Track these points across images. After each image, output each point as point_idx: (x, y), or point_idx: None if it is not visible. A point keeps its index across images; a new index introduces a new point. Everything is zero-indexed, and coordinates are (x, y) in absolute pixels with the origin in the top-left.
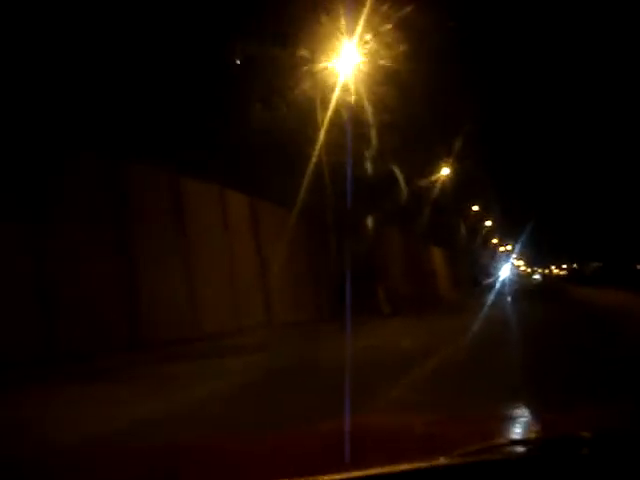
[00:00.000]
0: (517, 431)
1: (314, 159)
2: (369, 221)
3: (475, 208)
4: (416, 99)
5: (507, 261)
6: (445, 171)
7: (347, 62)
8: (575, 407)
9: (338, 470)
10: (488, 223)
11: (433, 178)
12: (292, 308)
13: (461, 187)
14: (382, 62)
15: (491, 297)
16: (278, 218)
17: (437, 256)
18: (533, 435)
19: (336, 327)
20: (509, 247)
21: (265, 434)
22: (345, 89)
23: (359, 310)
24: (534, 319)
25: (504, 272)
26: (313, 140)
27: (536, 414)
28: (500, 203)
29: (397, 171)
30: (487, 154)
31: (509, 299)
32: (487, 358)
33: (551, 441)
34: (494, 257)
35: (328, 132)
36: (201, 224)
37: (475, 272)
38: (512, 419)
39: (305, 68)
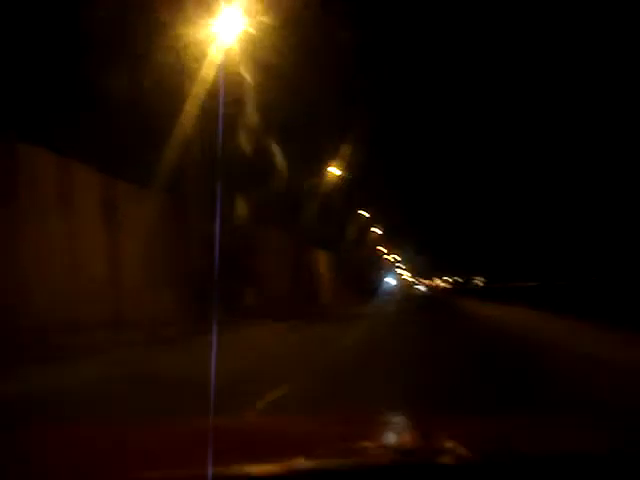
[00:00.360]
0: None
1: (182, 137)
2: (242, 211)
3: (364, 214)
4: (302, 87)
5: (393, 270)
6: (334, 170)
7: (225, 30)
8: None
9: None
10: (377, 231)
11: (321, 175)
12: (146, 306)
13: (351, 190)
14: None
15: (376, 306)
16: (138, 202)
17: (322, 260)
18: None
19: (181, 331)
20: (396, 257)
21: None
22: (220, 60)
23: (224, 314)
24: (421, 331)
25: (390, 281)
26: (182, 115)
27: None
28: (389, 213)
29: (279, 157)
30: (379, 160)
31: (394, 308)
32: (335, 393)
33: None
34: (380, 265)
35: (202, 109)
36: (36, 200)
37: (362, 279)
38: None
39: (175, 34)
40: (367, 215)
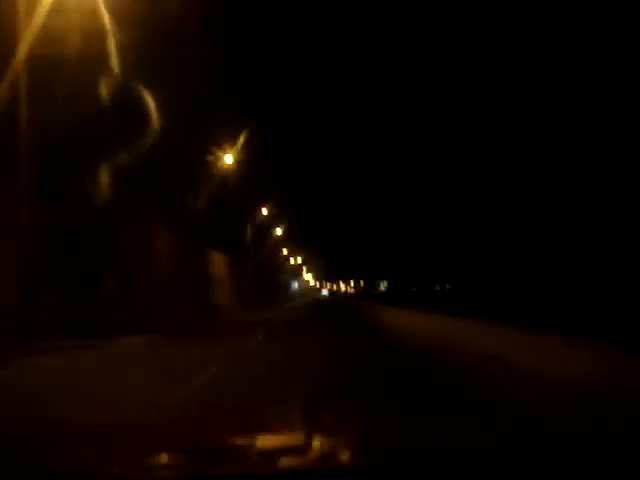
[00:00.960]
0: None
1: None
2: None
3: (264, 212)
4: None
5: (297, 275)
6: (228, 159)
7: None
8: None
9: None
10: (278, 232)
11: (215, 160)
12: None
13: (248, 185)
14: None
15: (277, 311)
16: None
17: (218, 263)
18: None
19: None
20: (299, 260)
21: None
22: None
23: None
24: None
25: (294, 285)
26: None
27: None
28: (292, 212)
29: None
30: (276, 154)
31: (296, 315)
32: None
33: None
34: (283, 269)
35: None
36: None
37: (264, 284)
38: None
39: None
40: (266, 213)
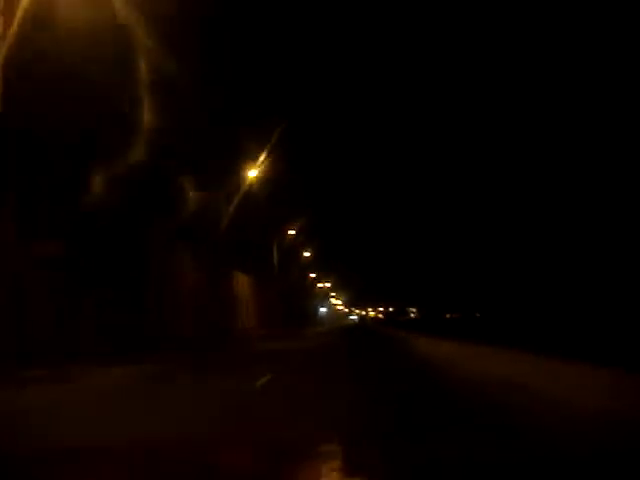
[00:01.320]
0: None
1: None
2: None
3: (292, 232)
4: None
5: (326, 299)
6: (252, 173)
7: None
8: None
9: None
10: (307, 254)
11: (240, 180)
12: None
13: (276, 205)
14: None
15: (304, 337)
16: None
17: (243, 285)
18: None
19: None
20: (328, 285)
21: None
22: None
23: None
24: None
25: (322, 310)
26: None
27: None
28: (321, 235)
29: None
30: (303, 175)
31: (323, 340)
32: None
33: None
34: (312, 293)
35: None
36: None
37: (292, 307)
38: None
39: None
40: (293, 233)
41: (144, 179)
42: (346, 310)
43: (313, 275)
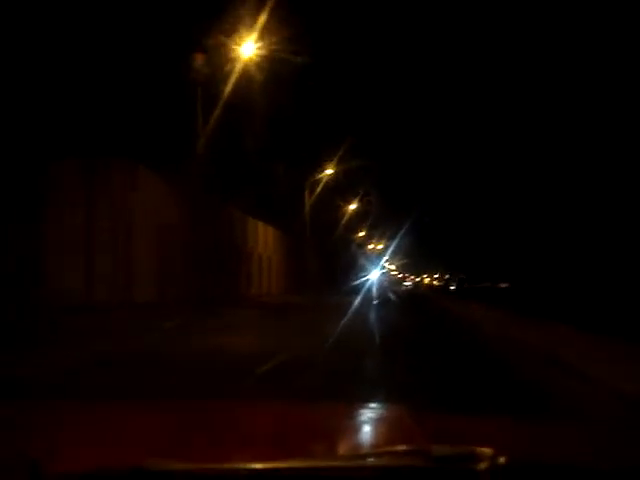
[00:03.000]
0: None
1: None
2: None
3: (329, 172)
4: None
5: (377, 263)
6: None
7: None
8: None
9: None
10: (352, 207)
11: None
12: None
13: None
14: None
15: (347, 311)
16: None
17: (267, 238)
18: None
19: None
20: (381, 246)
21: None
22: None
23: None
24: None
25: (373, 276)
26: None
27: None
28: (379, 187)
29: None
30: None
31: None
32: None
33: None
34: (360, 255)
35: None
36: None
37: (333, 271)
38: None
39: None
40: (330, 172)
41: None
42: (399, 276)
43: (363, 234)
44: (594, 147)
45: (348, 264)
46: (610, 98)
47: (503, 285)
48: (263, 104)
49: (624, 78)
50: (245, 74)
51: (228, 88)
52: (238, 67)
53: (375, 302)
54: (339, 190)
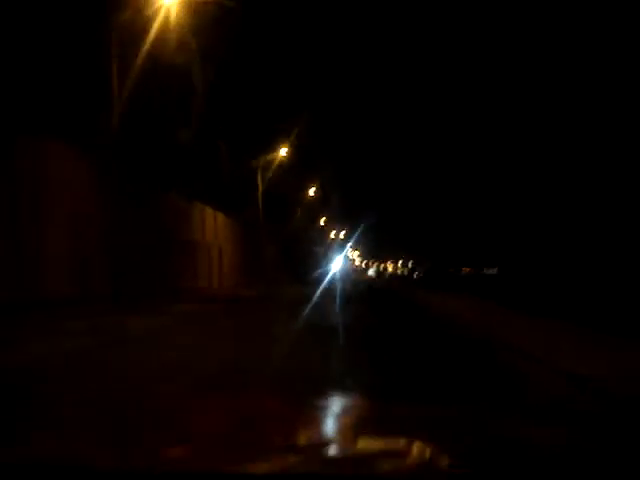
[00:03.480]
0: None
1: None
2: None
3: (284, 151)
4: None
5: (340, 252)
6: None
7: None
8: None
9: None
10: (311, 191)
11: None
12: None
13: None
14: None
15: (302, 310)
16: None
17: (216, 227)
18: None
19: None
20: (343, 232)
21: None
22: None
23: None
24: None
25: (335, 266)
26: None
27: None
28: (339, 170)
29: None
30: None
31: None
32: None
33: None
34: (321, 243)
35: None
36: None
37: (292, 260)
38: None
39: None
40: (283, 154)
41: None
42: (363, 266)
43: (324, 222)
44: (589, 128)
45: (308, 253)
46: (602, 93)
47: (490, 271)
48: (196, 65)
49: (624, 78)
50: (169, 22)
51: (150, 36)
52: (160, 9)
53: (338, 300)
54: (296, 174)
